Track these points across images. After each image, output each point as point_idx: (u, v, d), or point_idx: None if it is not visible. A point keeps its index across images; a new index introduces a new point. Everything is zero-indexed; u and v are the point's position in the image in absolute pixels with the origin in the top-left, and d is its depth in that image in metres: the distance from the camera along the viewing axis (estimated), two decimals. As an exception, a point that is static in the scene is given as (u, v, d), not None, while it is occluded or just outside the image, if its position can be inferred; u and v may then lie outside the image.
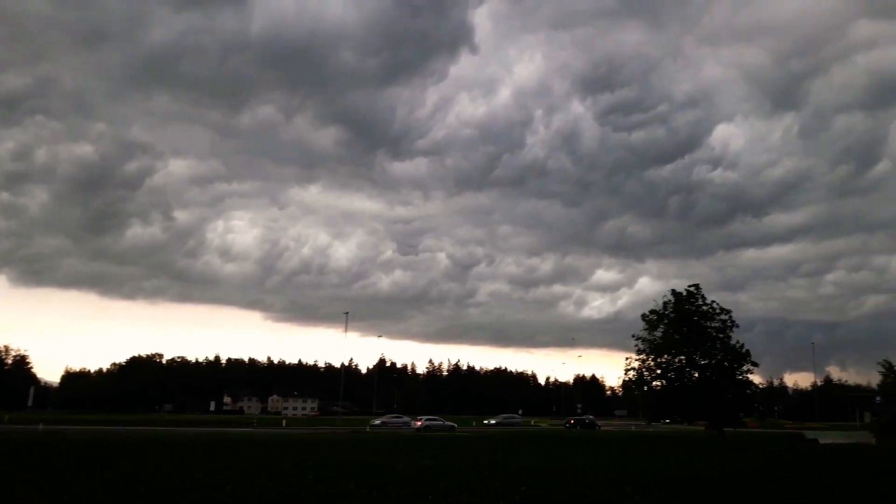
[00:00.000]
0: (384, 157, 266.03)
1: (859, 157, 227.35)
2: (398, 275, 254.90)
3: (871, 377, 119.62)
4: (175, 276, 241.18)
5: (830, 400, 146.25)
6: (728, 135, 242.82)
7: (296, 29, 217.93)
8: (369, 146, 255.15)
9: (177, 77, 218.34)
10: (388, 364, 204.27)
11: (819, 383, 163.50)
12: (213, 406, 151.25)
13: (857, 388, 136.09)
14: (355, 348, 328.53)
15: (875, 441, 41.45)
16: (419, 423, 64.33)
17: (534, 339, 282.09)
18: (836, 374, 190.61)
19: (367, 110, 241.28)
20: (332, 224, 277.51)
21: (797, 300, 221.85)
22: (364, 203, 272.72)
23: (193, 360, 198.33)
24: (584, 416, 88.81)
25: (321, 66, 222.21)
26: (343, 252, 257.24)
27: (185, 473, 15.53)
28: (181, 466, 17.55)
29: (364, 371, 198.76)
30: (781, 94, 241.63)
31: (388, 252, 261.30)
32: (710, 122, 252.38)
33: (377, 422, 72.79)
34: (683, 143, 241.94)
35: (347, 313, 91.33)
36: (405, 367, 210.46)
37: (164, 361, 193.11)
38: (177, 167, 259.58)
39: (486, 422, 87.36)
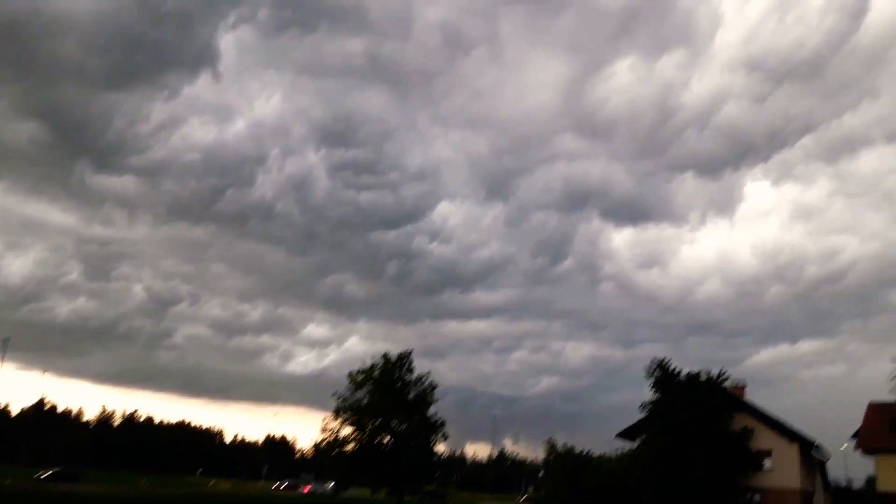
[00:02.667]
0: (87, 167, 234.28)
1: (551, 252, 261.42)
2: (81, 302, 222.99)
3: (538, 452, 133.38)
4: None
5: (503, 471, 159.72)
6: (448, 212, 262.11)
7: (11, 2, 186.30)
8: (72, 152, 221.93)
9: None
10: (48, 406, 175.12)
11: (495, 455, 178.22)
12: None
13: (526, 463, 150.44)
14: (10, 384, 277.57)
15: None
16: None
17: (229, 391, 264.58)
18: (510, 446, 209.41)
19: (78, 112, 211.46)
20: (6, 231, 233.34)
21: (486, 373, 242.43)
22: (53, 214, 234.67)
23: None
24: None
25: (33, 52, 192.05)
26: (16, 267, 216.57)
27: None
28: None
29: (16, 413, 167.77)
30: (495, 184, 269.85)
31: (74, 274, 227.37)
32: (435, 198, 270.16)
33: None
34: (409, 212, 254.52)
35: (8, 339, 76.68)
36: (70, 411, 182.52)
37: None
38: None
39: None
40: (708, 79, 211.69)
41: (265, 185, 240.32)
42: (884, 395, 43.58)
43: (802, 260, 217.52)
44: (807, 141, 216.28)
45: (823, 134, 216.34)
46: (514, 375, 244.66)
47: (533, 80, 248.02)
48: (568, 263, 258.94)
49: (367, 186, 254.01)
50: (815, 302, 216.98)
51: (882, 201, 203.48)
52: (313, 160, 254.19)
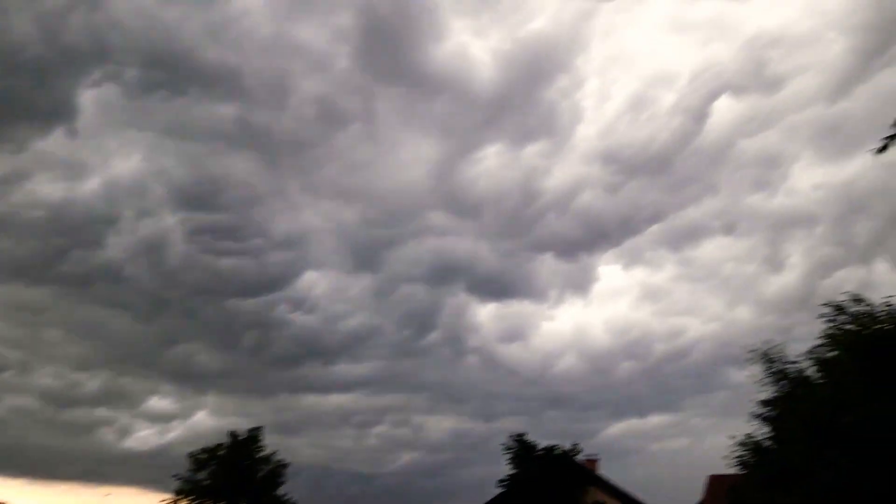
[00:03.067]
0: None
1: (418, 324, 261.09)
2: None
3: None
4: None
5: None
6: (314, 282, 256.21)
7: None
8: None
9: None
10: None
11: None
12: None
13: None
14: None
15: None
16: None
17: (55, 469, 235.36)
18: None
19: None
20: None
21: (344, 449, 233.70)
22: None
23: None
24: None
25: None
26: None
27: None
28: None
29: None
30: (364, 255, 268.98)
31: None
32: (301, 266, 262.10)
33: None
34: (272, 280, 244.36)
35: None
36: None
37: None
38: None
39: None
40: (568, 168, 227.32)
41: (115, 247, 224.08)
42: (723, 468, 45.90)
43: (650, 338, 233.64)
44: (655, 229, 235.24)
45: (670, 223, 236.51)
46: (373, 451, 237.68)
47: (406, 158, 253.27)
48: (434, 336, 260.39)
49: (227, 252, 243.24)
50: (662, 378, 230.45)
51: (720, 287, 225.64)
52: (170, 223, 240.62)
